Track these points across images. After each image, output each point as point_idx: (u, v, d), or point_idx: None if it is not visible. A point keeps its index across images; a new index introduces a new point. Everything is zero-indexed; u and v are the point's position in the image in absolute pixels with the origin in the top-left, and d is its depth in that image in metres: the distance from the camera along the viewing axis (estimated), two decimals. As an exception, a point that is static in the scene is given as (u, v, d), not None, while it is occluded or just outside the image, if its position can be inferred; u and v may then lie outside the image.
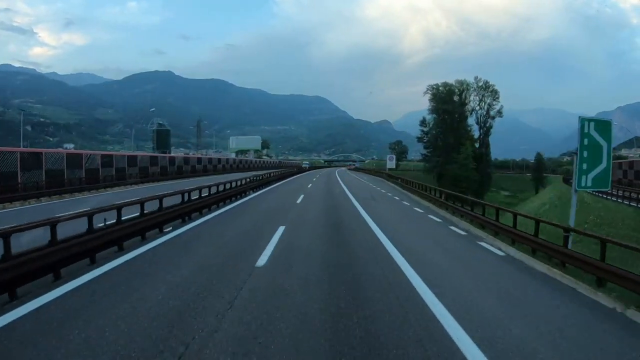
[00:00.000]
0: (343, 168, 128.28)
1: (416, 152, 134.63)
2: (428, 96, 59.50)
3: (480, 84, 58.71)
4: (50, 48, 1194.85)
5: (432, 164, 58.20)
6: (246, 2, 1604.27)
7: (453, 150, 52.31)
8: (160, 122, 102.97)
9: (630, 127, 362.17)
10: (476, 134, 58.92)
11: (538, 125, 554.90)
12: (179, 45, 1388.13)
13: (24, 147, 59.80)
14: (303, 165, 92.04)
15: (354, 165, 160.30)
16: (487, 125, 58.42)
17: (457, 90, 58.52)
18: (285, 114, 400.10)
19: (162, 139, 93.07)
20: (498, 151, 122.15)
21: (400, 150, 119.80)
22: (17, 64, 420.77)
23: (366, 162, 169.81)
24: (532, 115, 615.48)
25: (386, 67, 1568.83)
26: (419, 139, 63.75)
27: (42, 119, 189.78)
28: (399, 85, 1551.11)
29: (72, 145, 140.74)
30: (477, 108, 58.46)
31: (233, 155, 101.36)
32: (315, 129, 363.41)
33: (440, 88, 58.86)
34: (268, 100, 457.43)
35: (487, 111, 58.12)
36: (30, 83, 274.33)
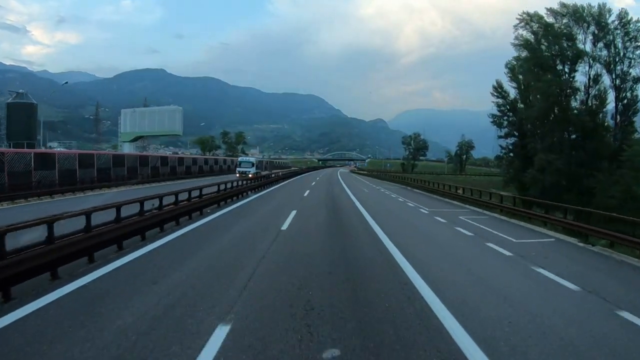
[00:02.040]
0: (345, 170, 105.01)
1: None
2: (513, 38, 32.96)
3: (609, 18, 30.11)
4: (43, 46, 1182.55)
5: (538, 167, 29.27)
6: (241, 1, 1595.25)
7: (584, 140, 29.34)
8: (21, 91, 54.29)
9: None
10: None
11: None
12: (173, 44, 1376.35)
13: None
14: (239, 171, 39.90)
15: (354, 165, 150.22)
16: (633, 93, 29.86)
17: (576, 31, 30.69)
18: (279, 113, 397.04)
19: (24, 119, 50.75)
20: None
21: (417, 146, 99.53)
22: (9, 62, 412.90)
23: (367, 161, 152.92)
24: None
25: (380, 66, 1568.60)
26: (495, 120, 36.56)
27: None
28: (394, 84, 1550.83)
29: (56, 144, 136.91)
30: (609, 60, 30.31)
31: (127, 148, 58.92)
32: (309, 127, 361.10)
33: (544, 19, 31.63)
34: (261, 99, 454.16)
35: (629, 67, 29.94)
36: (18, 81, 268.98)
